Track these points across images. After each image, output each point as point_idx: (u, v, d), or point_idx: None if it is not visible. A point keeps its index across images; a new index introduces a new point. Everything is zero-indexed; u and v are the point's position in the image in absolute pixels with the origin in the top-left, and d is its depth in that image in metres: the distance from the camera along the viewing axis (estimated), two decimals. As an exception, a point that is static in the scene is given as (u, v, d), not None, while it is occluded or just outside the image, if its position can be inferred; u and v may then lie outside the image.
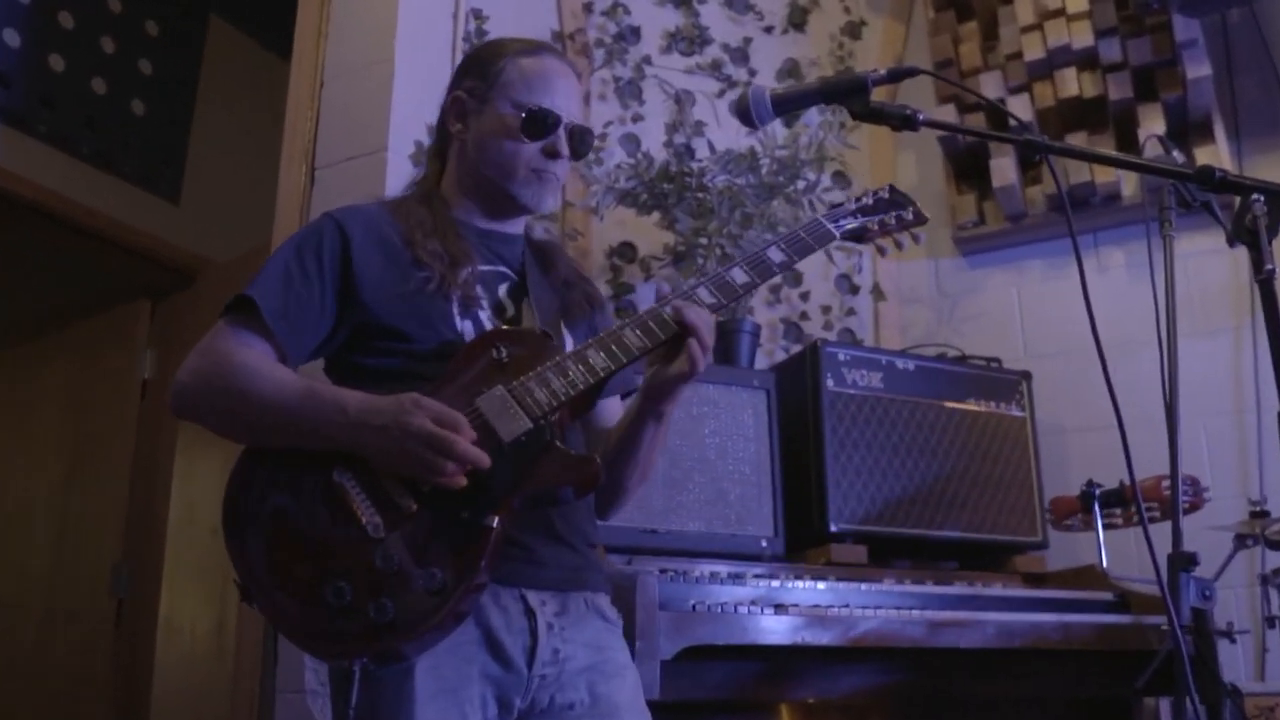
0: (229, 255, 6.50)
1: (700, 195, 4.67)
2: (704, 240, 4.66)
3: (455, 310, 2.45)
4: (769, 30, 5.73)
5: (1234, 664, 4.46)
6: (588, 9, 5.42)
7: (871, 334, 5.42)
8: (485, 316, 2.49)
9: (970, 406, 4.55)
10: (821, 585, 3.62)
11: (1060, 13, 5.13)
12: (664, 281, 5.00)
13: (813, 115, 4.98)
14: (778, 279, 5.16)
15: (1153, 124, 4.99)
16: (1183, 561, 2.91)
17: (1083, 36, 5.08)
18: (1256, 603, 4.48)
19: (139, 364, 6.45)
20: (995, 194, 5.28)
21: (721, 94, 5.53)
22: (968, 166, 5.50)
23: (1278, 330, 2.19)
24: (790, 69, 5.65)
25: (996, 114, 5.11)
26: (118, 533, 6.20)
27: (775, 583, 3.53)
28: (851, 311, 5.41)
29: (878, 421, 4.35)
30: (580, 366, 2.30)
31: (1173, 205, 3.18)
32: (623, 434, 2.53)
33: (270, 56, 7.44)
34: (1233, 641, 4.27)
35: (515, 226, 2.73)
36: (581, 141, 2.67)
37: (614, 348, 2.33)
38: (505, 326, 2.49)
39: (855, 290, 5.44)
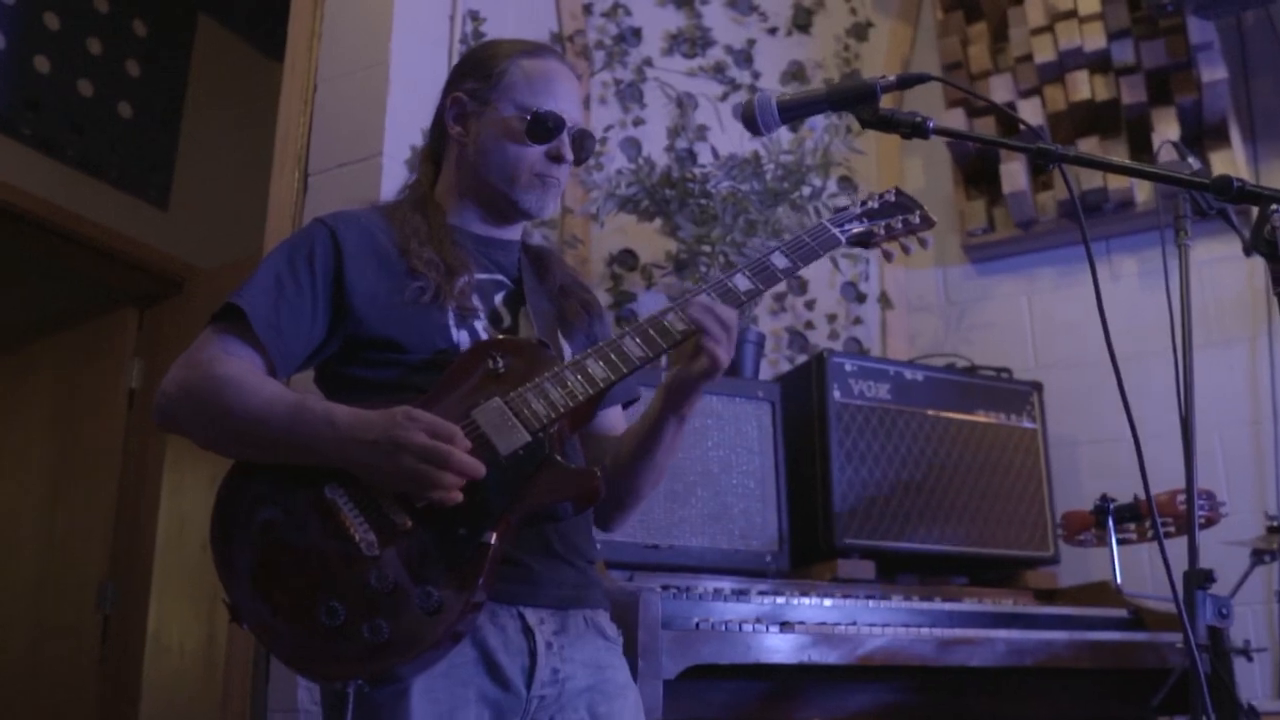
0: (218, 263, 6.50)
1: (703, 201, 4.66)
2: (707, 248, 4.66)
3: (451, 320, 2.44)
4: (773, 32, 5.74)
5: (1251, 683, 4.46)
6: (587, 10, 5.43)
7: (878, 343, 5.41)
8: (481, 326, 2.48)
9: (980, 418, 4.55)
10: (828, 602, 3.61)
11: (1072, 14, 5.14)
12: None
13: (818, 119, 4.99)
14: (782, 286, 5.17)
15: (1167, 128, 4.99)
16: (1199, 578, 2.91)
17: (1095, 38, 5.09)
18: (1274, 620, 4.49)
19: (126, 374, 6.46)
20: (1005, 200, 5.28)
21: (724, 97, 5.53)
22: (977, 171, 5.50)
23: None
24: (795, 71, 5.65)
25: (1007, 118, 5.12)
26: (104, 547, 6.20)
27: (780, 599, 3.53)
28: (858, 320, 5.41)
29: (885, 433, 4.35)
30: (579, 377, 2.29)
31: (1188, 213, 3.18)
32: (640, 436, 2.52)
33: (261, 58, 7.45)
34: (1250, 660, 4.27)
35: (513, 233, 2.72)
36: (584, 146, 2.67)
37: (614, 357, 2.32)
38: (501, 336, 2.48)
39: (862, 298, 5.44)
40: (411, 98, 4.34)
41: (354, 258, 2.44)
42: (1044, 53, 5.18)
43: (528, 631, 2.29)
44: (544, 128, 2.56)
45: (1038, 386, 4.72)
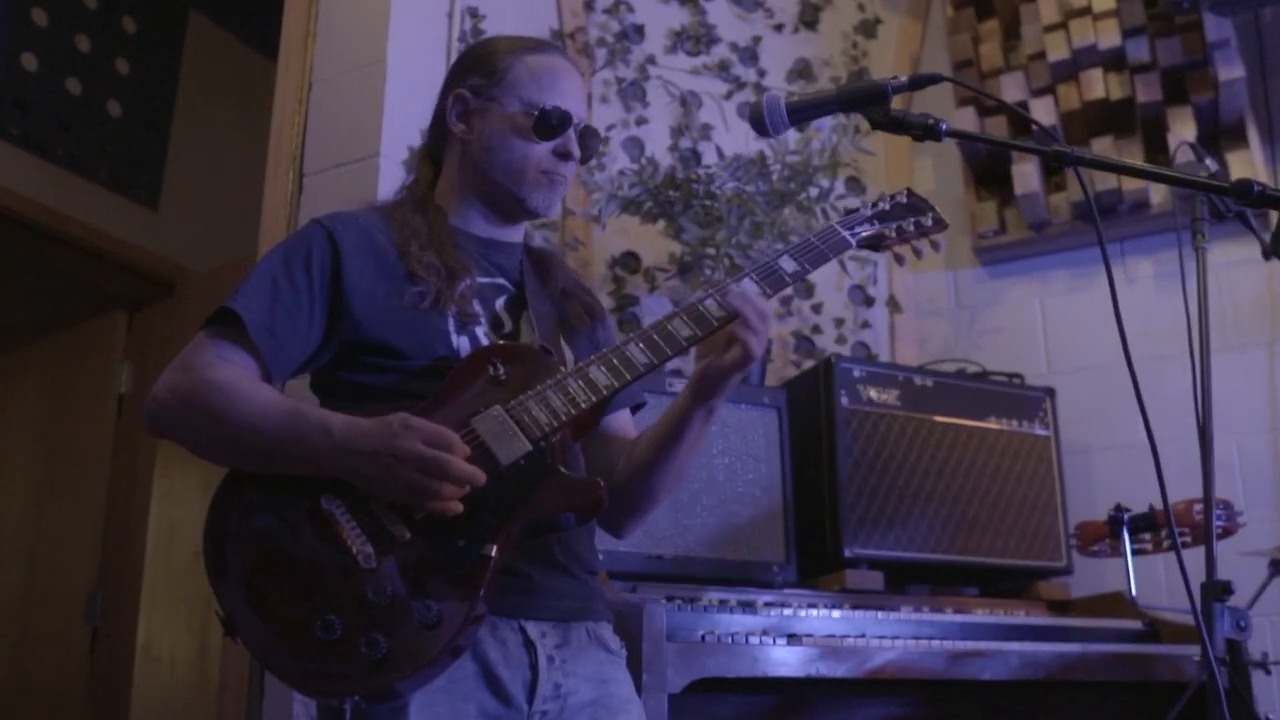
0: (210, 265, 6.50)
1: (707, 203, 4.66)
2: (711, 250, 4.65)
3: (451, 326, 2.44)
4: (779, 29, 5.73)
5: (1269, 697, 4.44)
6: (588, 6, 5.42)
7: (887, 348, 5.41)
8: (482, 332, 2.48)
9: (991, 425, 4.55)
10: (836, 614, 3.62)
11: (1086, 11, 5.13)
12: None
13: (825, 119, 4.99)
14: (789, 290, 5.17)
15: (1183, 128, 4.99)
16: (1216, 590, 2.91)
17: (1109, 36, 5.08)
18: (1293, 633, 4.49)
19: (115, 378, 6.46)
20: (1017, 201, 5.27)
21: (729, 95, 5.52)
22: (988, 172, 5.49)
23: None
24: (801, 69, 5.65)
25: (1019, 118, 5.12)
26: (93, 556, 6.20)
27: (787, 611, 3.54)
28: (866, 324, 5.41)
29: (894, 441, 4.35)
30: (582, 384, 2.29)
31: (1205, 216, 3.18)
32: (662, 434, 2.51)
33: (255, 56, 7.46)
34: (1268, 673, 4.24)
35: (515, 234, 2.72)
36: (590, 143, 2.68)
37: (617, 363, 2.32)
38: (501, 342, 2.48)
39: (870, 302, 5.43)
40: (409, 97, 4.34)
41: (352, 260, 2.44)
42: (1057, 50, 5.17)
43: (529, 645, 2.29)
44: (551, 124, 2.57)
45: (1050, 392, 4.72)
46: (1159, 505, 3.99)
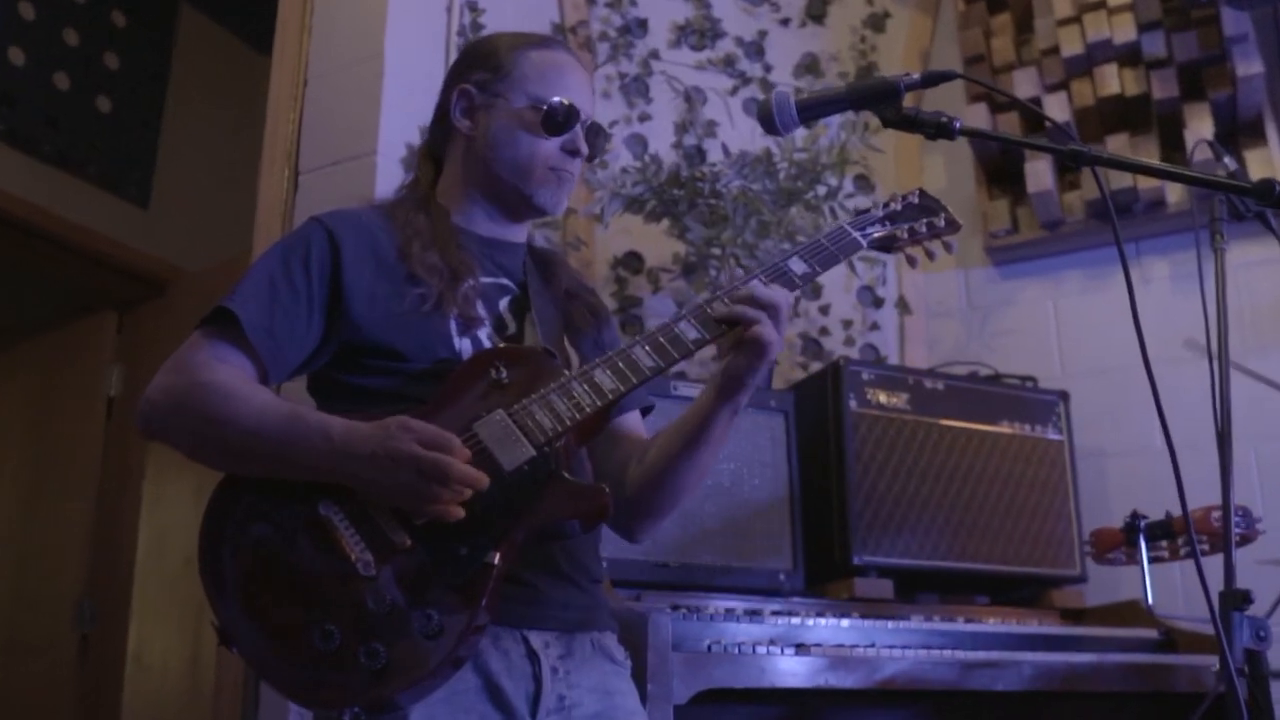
0: (202, 264, 6.51)
1: (713, 202, 4.65)
2: (717, 250, 4.65)
3: (453, 328, 2.44)
4: (785, 23, 5.73)
5: (1288, 708, 4.46)
6: (590, 0, 5.43)
7: (896, 350, 5.41)
8: (485, 334, 2.48)
9: (1004, 429, 4.55)
10: (845, 623, 3.62)
11: (1100, 5, 5.12)
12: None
13: (834, 115, 4.99)
14: (797, 292, 5.17)
15: (1200, 125, 4.99)
16: (1235, 599, 2.90)
17: (1124, 30, 5.08)
18: (1313, 642, 4.48)
19: (104, 381, 6.46)
20: (1030, 200, 5.27)
21: (734, 91, 5.52)
22: (1000, 170, 5.49)
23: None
24: (808, 64, 5.65)
25: (1032, 115, 5.12)
26: (82, 562, 6.20)
27: (795, 620, 3.53)
28: (875, 326, 5.41)
29: (904, 445, 4.34)
30: (586, 388, 2.29)
31: (1224, 216, 3.18)
32: (684, 432, 2.51)
33: (248, 50, 7.47)
34: (1287, 684, 4.26)
35: (519, 234, 2.73)
36: (597, 140, 2.68)
37: (623, 367, 2.32)
38: (503, 344, 2.48)
39: (879, 303, 5.44)
40: (407, 93, 4.35)
41: (352, 259, 2.44)
42: (1071, 45, 5.17)
43: (532, 655, 2.29)
44: (559, 119, 2.57)
45: (1064, 396, 4.72)
46: (1176, 512, 4.01)
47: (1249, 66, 4.90)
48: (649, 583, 3.76)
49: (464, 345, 2.43)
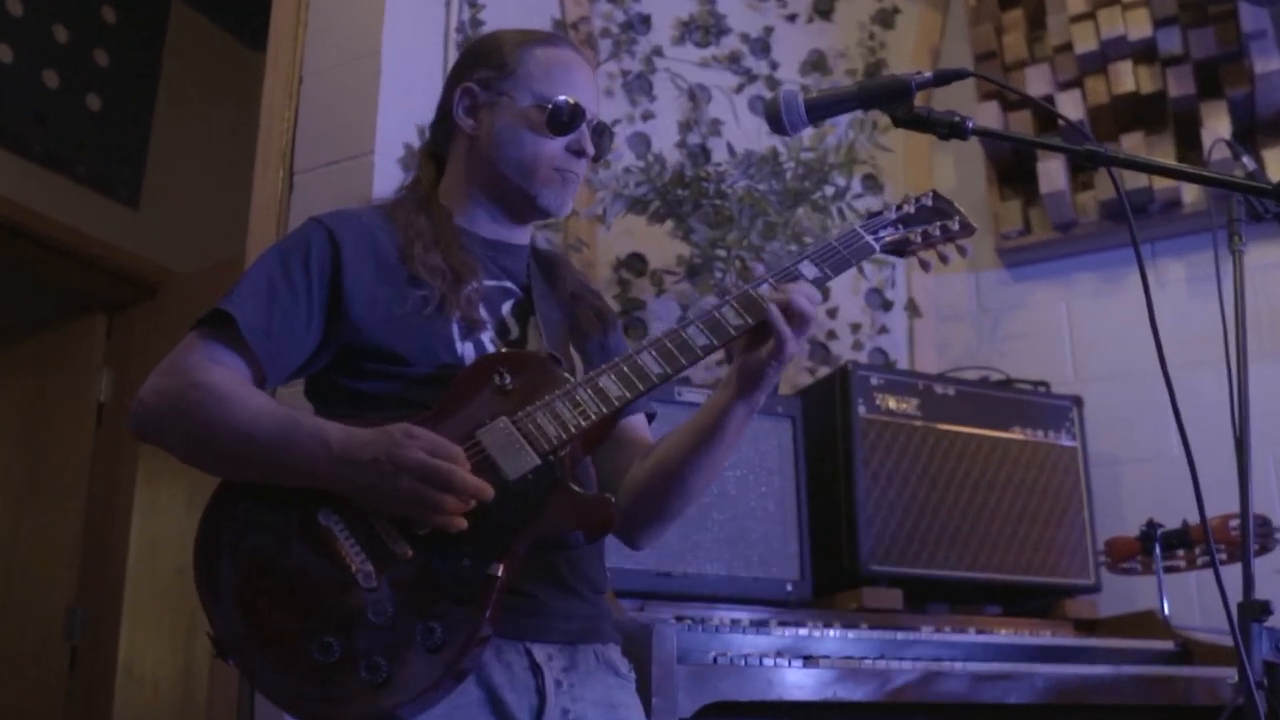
0: (193, 266, 6.51)
1: (718, 202, 4.65)
2: (722, 252, 4.65)
3: (456, 332, 2.44)
4: (792, 19, 5.73)
5: (1308, 721, 4.45)
6: (592, -5, 5.43)
7: (906, 354, 5.41)
8: (488, 339, 2.48)
9: (1015, 435, 4.55)
10: (853, 634, 3.62)
11: (1115, 1, 5.12)
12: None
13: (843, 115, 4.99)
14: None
15: (1217, 123, 4.99)
16: (1254, 610, 2.90)
17: (1140, 27, 5.08)
18: (1333, 655, 4.48)
19: (94, 385, 6.48)
20: (1043, 200, 5.27)
21: (740, 89, 5.52)
22: (1012, 170, 5.49)
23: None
24: (815, 61, 5.65)
25: (1045, 113, 5.12)
26: (72, 571, 6.21)
27: (803, 631, 3.54)
28: (884, 329, 5.40)
29: (914, 452, 4.35)
30: (592, 394, 2.28)
31: (1242, 217, 3.17)
32: (697, 432, 2.49)
33: (241, 47, 7.47)
34: (1307, 697, 4.26)
35: (522, 236, 2.73)
36: (603, 140, 2.69)
37: (630, 373, 2.31)
38: (506, 349, 2.48)
39: (888, 306, 5.43)
40: (405, 91, 4.35)
41: (353, 260, 2.44)
42: (1085, 42, 5.17)
43: (535, 669, 2.28)
44: (564, 119, 2.58)
45: (1078, 401, 4.72)
46: (1191, 520, 4.02)
47: (1267, 63, 4.90)
48: (652, 593, 3.77)
49: (466, 349, 2.43)
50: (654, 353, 2.33)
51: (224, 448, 2.24)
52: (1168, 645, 4.09)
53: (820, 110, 2.49)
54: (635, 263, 5.12)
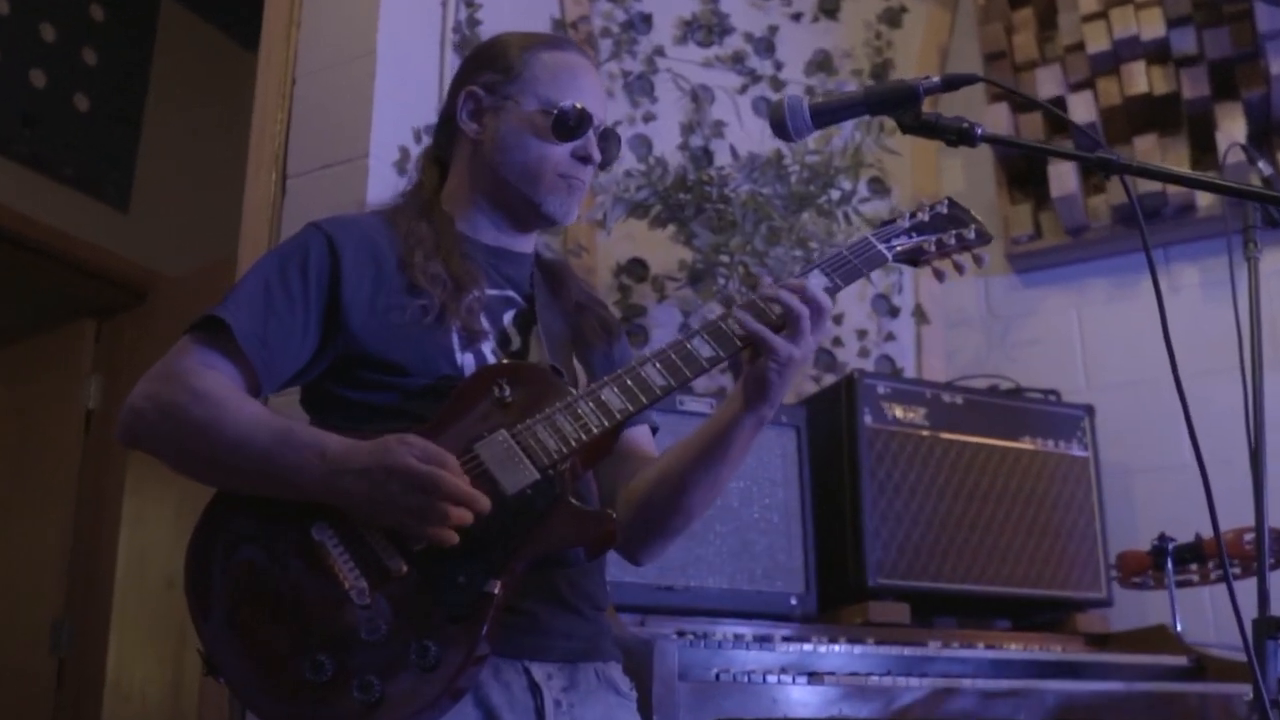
0: (184, 270, 6.49)
1: (721, 206, 4.65)
2: (725, 257, 4.65)
3: (455, 342, 2.43)
4: (797, 18, 5.73)
5: (1324, 739, 4.45)
6: (592, -6, 5.43)
7: (913, 362, 5.41)
8: (489, 349, 2.47)
9: (1025, 445, 4.55)
10: (859, 650, 3.63)
11: (1128, 0, 5.13)
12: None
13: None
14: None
15: (1232, 125, 4.99)
16: (1270, 626, 2.90)
17: (1153, 26, 5.08)
18: (1349, 671, 4.48)
19: (82, 392, 6.47)
20: (1054, 204, 5.27)
21: (743, 90, 5.53)
22: (1022, 173, 5.49)
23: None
24: (821, 61, 5.65)
25: (1056, 118, 5.11)
26: (58, 583, 6.20)
27: (807, 647, 3.54)
28: (890, 336, 5.40)
29: (922, 462, 4.35)
30: (593, 407, 2.27)
31: (1258, 223, 3.18)
32: (704, 443, 2.46)
33: (233, 46, 7.46)
34: (1323, 715, 4.26)
35: (526, 244, 2.72)
36: (610, 146, 2.68)
37: (632, 385, 2.29)
38: (506, 360, 2.47)
39: (895, 312, 5.43)
40: (401, 93, 4.35)
41: (352, 268, 2.43)
42: (1097, 42, 5.18)
43: (534, 688, 2.27)
44: (570, 124, 2.57)
45: (1089, 410, 4.72)
46: (1205, 533, 4.01)
47: (1284, 64, 4.90)
48: (653, 607, 3.76)
49: (466, 360, 2.43)
50: (658, 364, 2.32)
51: (216, 456, 2.23)
52: (1181, 661, 4.10)
53: (826, 116, 2.48)
54: (636, 268, 5.13)
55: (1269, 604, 2.93)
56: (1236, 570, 3.98)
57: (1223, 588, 3.53)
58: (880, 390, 4.36)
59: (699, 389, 4.51)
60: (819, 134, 4.80)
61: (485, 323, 2.49)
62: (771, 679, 3.23)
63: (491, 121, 2.62)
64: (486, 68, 2.67)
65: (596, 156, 2.62)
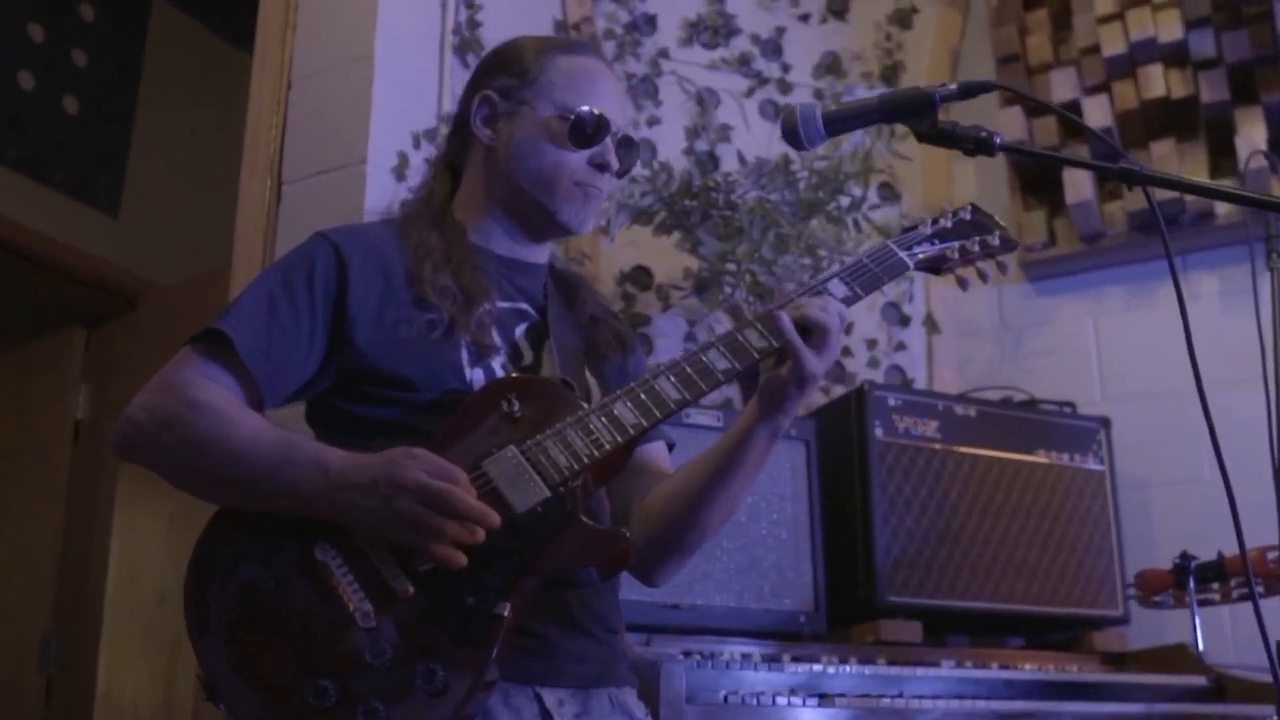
0: (176, 277, 6.50)
1: (728, 213, 4.64)
2: (731, 265, 4.63)
3: (464, 357, 2.43)
4: (805, 19, 5.72)
5: (1348, 762, 4.44)
6: (595, -5, 5.42)
7: (924, 372, 5.40)
8: (499, 364, 2.46)
9: (1040, 459, 4.54)
10: (870, 670, 3.62)
11: (1144, 1, 5.11)
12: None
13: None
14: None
15: (1252, 130, 4.97)
16: (1295, 647, 2.90)
17: (1170, 28, 5.06)
18: (1374, 691, 4.47)
19: (71, 402, 6.46)
20: (1068, 211, 5.25)
21: (750, 93, 5.52)
22: (1036, 179, 5.47)
23: None
24: (829, 64, 5.64)
25: (1072, 121, 5.11)
26: (47, 598, 6.19)
27: (817, 667, 3.53)
28: (901, 346, 5.39)
29: (934, 476, 4.34)
30: (605, 422, 2.25)
31: (1279, 232, 3.18)
32: (718, 457, 2.46)
33: (226, 47, 7.46)
34: (1347, 736, 4.25)
35: (540, 254, 2.71)
36: (628, 154, 2.67)
37: (645, 399, 2.28)
38: (516, 374, 2.46)
39: (905, 321, 5.42)
40: (399, 97, 4.35)
41: (359, 279, 2.43)
42: (1113, 44, 5.16)
43: (546, 715, 2.26)
44: (587, 131, 2.56)
45: (1105, 423, 4.71)
46: (1227, 550, 3.99)
47: (1306, 67, 4.90)
48: (659, 626, 3.74)
49: (476, 375, 2.42)
50: (672, 377, 2.30)
51: (217, 470, 2.23)
52: (1200, 681, 4.09)
53: (839, 123, 2.48)
54: (640, 276, 5.11)
55: (1293, 623, 2.92)
56: (1260, 589, 3.97)
57: (1243, 606, 3.52)
58: (891, 402, 4.34)
59: (706, 400, 4.49)
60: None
61: (496, 337, 2.48)
62: (781, 700, 3.24)
63: (506, 127, 2.62)
64: (502, 71, 2.67)
65: (614, 164, 2.62)
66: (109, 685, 5.91)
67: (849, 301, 2.45)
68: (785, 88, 5.53)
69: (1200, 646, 4.05)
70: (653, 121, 5.33)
